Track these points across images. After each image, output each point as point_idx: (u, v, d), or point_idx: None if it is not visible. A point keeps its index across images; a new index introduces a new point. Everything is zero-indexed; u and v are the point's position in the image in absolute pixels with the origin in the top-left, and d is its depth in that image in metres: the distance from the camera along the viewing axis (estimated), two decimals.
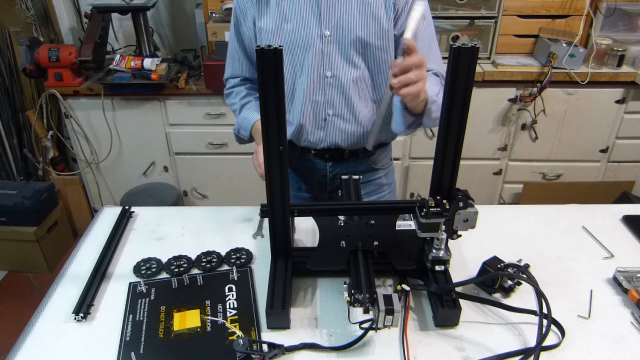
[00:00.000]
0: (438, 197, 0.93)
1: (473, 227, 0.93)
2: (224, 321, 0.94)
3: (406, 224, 1.08)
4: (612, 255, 1.13)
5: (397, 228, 1.08)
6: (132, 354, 0.87)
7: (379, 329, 0.83)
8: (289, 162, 1.42)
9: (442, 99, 1.04)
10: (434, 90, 1.14)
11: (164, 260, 1.10)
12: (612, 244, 1.16)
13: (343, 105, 1.28)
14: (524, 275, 0.94)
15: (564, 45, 2.35)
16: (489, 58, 2.51)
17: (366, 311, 0.84)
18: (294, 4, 1.20)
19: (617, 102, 2.46)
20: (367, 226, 1.07)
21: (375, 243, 1.02)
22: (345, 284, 0.92)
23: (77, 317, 0.95)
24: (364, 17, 1.19)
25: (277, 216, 0.98)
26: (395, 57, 1.28)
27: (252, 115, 1.32)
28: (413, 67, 0.98)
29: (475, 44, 0.81)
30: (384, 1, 1.19)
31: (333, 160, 1.38)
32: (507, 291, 0.99)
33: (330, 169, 1.39)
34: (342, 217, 1.10)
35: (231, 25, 1.30)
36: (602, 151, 2.61)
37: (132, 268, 1.08)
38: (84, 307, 0.97)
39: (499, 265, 0.98)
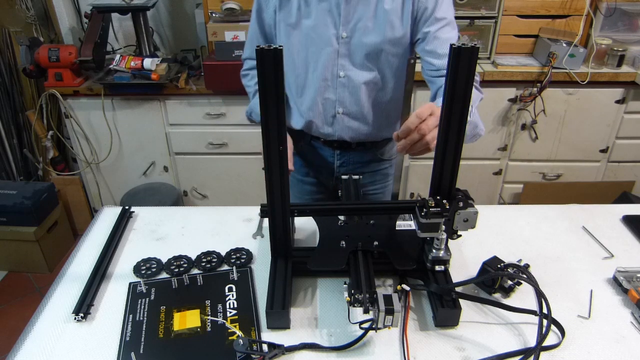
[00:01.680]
0: (438, 197, 0.93)
1: (473, 227, 0.93)
2: (224, 321, 0.94)
3: (406, 224, 1.08)
4: (612, 255, 1.13)
5: (397, 228, 1.08)
6: (132, 354, 0.87)
7: (379, 329, 0.83)
8: (298, 148, 1.44)
9: (475, 113, 1.05)
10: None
11: (164, 260, 1.10)
12: (612, 244, 1.16)
13: (353, 105, 1.30)
14: (524, 275, 0.94)
15: (564, 45, 2.35)
16: (489, 58, 2.51)
17: (366, 311, 0.84)
18: (316, 2, 1.21)
19: (617, 102, 2.46)
20: (367, 226, 1.07)
21: (375, 243, 1.02)
22: (345, 284, 0.92)
23: (77, 317, 0.95)
24: (381, 24, 1.21)
25: (277, 216, 0.98)
26: (414, 53, 1.27)
27: None
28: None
29: (475, 44, 0.81)
30: (401, 9, 1.20)
31: (341, 149, 1.41)
32: (507, 291, 0.99)
33: (337, 156, 1.42)
34: (342, 217, 1.10)
35: (253, 9, 1.32)
36: (602, 151, 2.61)
37: (132, 268, 1.08)
38: (84, 307, 0.97)
39: (499, 265, 0.98)
